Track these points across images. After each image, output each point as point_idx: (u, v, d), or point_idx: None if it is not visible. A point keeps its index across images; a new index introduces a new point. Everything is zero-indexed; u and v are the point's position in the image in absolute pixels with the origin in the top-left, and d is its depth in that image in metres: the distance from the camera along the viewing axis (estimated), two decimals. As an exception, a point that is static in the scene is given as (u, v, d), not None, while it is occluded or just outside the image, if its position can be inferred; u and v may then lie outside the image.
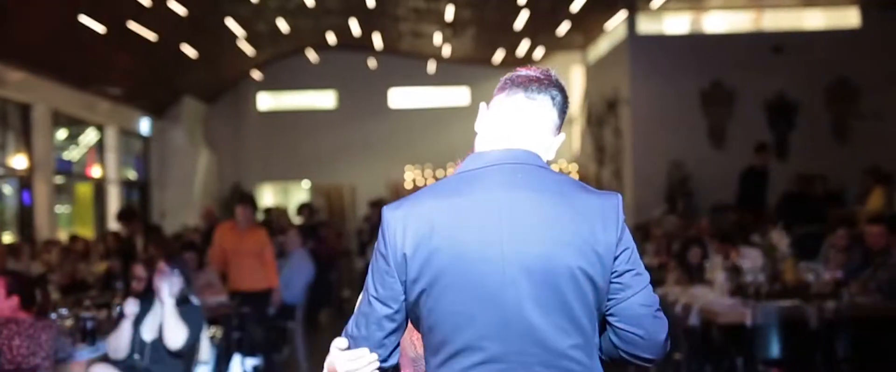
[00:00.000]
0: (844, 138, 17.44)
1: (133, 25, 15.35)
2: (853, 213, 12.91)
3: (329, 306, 15.94)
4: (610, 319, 2.58)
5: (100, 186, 18.78)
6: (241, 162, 22.63)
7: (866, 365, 8.15)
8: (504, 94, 2.70)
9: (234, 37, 17.93)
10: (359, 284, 18.37)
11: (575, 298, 2.47)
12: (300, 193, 23.22)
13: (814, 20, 18.36)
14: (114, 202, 19.02)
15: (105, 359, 6.84)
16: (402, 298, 2.56)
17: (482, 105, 2.76)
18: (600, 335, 2.62)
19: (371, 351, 2.59)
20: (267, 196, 23.00)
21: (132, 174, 20.67)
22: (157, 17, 15.44)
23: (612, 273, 2.52)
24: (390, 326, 2.58)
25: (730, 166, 17.09)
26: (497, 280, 2.46)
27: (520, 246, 2.46)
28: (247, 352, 10.11)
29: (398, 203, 2.60)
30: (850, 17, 17.99)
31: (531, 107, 2.66)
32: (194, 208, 20.72)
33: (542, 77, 2.70)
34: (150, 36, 15.94)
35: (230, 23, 16.96)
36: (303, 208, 16.22)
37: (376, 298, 2.57)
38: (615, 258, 2.51)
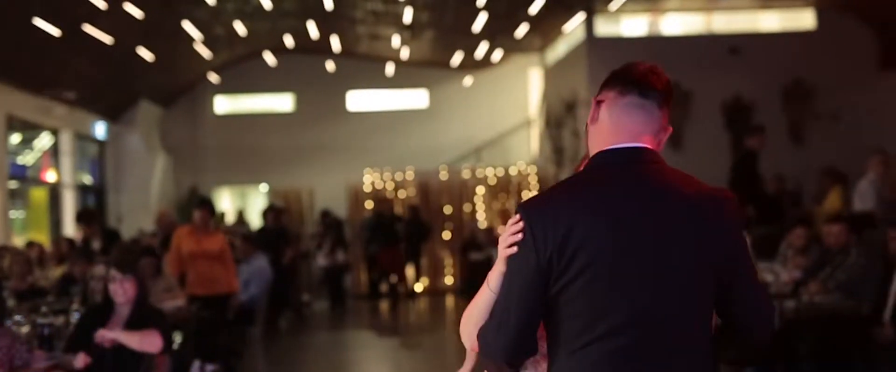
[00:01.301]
0: (800, 139, 17.60)
1: (88, 28, 15.20)
2: (810, 213, 13.01)
3: (289, 311, 15.86)
4: (725, 311, 2.72)
5: (55, 191, 18.59)
6: (199, 166, 22.45)
7: (827, 363, 8.21)
8: (616, 92, 2.77)
9: (191, 40, 17.80)
10: (317, 288, 18.37)
11: (702, 288, 2.63)
12: (258, 196, 23.09)
13: (769, 22, 18.53)
14: (69, 207, 18.82)
15: (61, 366, 6.74)
16: (545, 293, 2.64)
17: (593, 102, 2.83)
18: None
19: (508, 342, 2.67)
20: (224, 200, 22.85)
21: (88, 179, 20.47)
22: (113, 20, 15.29)
23: (733, 266, 2.66)
24: (535, 322, 2.68)
25: (687, 167, 17.01)
26: (641, 271, 2.60)
27: (659, 239, 2.60)
28: (206, 357, 10.01)
29: (535, 199, 2.72)
30: (805, 19, 18.17)
31: (645, 104, 2.74)
32: (151, 213, 20.51)
33: (652, 74, 2.77)
34: (106, 39, 15.78)
35: (187, 25, 16.83)
36: (268, 212, 16.13)
37: (515, 293, 2.66)
38: (734, 252, 2.66)
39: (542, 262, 2.60)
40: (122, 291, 6.78)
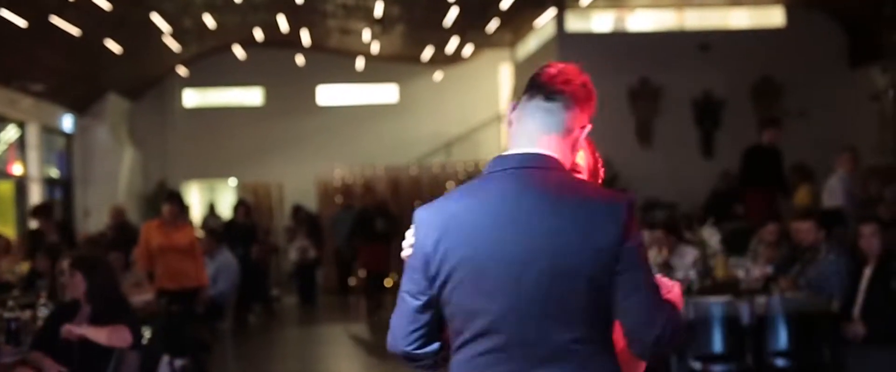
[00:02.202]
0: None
1: (56, 20, 15.04)
2: (778, 209, 13.06)
3: (258, 305, 15.79)
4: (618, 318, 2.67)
5: (21, 185, 18.39)
6: (167, 159, 22.30)
7: (798, 359, 8.24)
8: (525, 96, 2.83)
9: (160, 32, 17.64)
10: (287, 283, 18.29)
11: (576, 295, 2.61)
12: (227, 190, 22.96)
13: (739, 19, 18.60)
14: (36, 200, 18.62)
15: (25, 362, 6.67)
16: (429, 293, 2.77)
17: (510, 104, 2.88)
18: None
19: (398, 338, 2.85)
20: (193, 194, 22.70)
21: (55, 172, 20.28)
22: (81, 11, 15.14)
23: (615, 270, 2.61)
24: (420, 318, 2.81)
25: (657, 164, 17.29)
26: (504, 276, 2.64)
27: (525, 245, 2.63)
28: (175, 352, 9.93)
29: (428, 205, 2.83)
30: (774, 17, 18.26)
31: (549, 108, 2.78)
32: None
33: (559, 77, 2.80)
34: (74, 31, 15.62)
35: (155, 18, 16.69)
36: (239, 206, 16.02)
37: (407, 293, 2.83)
38: (619, 256, 2.60)
39: (424, 264, 2.75)
40: (72, 285, 6.79)
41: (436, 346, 2.83)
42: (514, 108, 2.85)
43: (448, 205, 2.78)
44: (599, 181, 3.09)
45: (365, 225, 16.97)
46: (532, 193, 2.66)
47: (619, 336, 2.74)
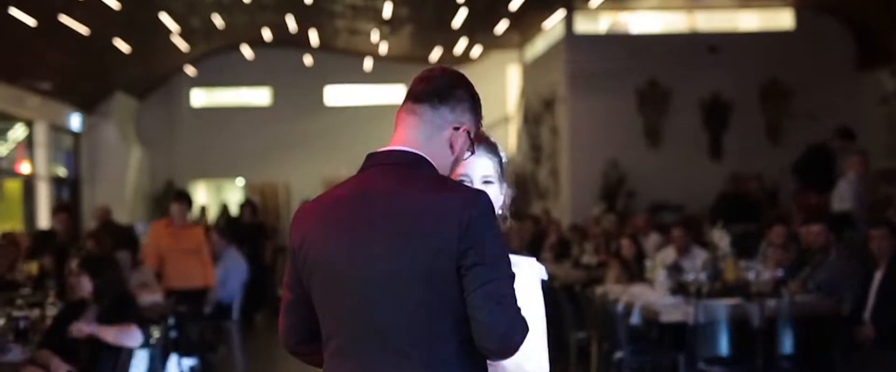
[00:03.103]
0: (778, 138, 17.64)
1: (64, 19, 15.06)
2: (788, 212, 13.03)
3: (266, 305, 15.78)
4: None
5: (29, 183, 18.42)
6: (174, 159, 22.31)
7: (807, 363, 8.21)
8: (404, 99, 2.85)
9: (168, 32, 17.67)
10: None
11: (421, 291, 2.58)
12: (234, 190, 22.98)
13: (748, 22, 18.56)
14: (43, 199, 18.66)
15: (34, 361, 6.66)
16: (299, 288, 2.78)
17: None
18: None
19: (281, 333, 2.87)
20: (200, 193, 22.71)
21: (62, 171, 20.30)
22: (89, 10, 15.16)
23: (459, 268, 2.56)
24: (295, 313, 2.83)
25: (665, 165, 17.25)
26: (347, 276, 2.64)
27: (368, 244, 2.62)
28: (183, 352, 9.94)
29: (301, 205, 2.89)
30: (783, 19, 18.22)
31: (414, 109, 2.80)
32: (126, 206, 20.40)
33: (424, 77, 2.83)
34: (82, 30, 15.65)
35: (164, 17, 16.71)
36: (245, 206, 16.01)
37: (286, 286, 2.84)
38: (460, 254, 2.55)
39: (293, 258, 2.78)
40: (79, 285, 6.81)
41: (315, 343, 2.80)
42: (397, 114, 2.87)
43: (319, 201, 2.80)
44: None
45: None
46: (381, 192, 2.66)
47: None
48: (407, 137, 2.77)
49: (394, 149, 2.75)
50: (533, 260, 2.95)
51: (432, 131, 2.77)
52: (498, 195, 2.97)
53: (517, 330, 2.55)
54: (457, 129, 2.78)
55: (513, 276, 2.59)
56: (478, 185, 2.95)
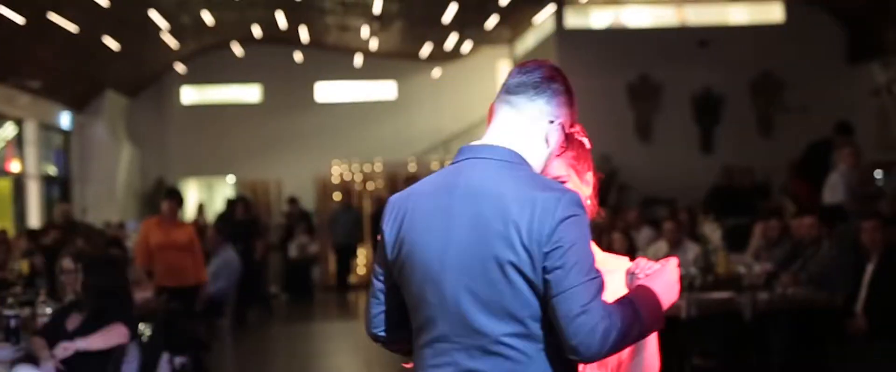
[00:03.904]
0: (769, 131, 17.68)
1: (54, 17, 15.00)
2: (780, 205, 13.04)
3: (258, 303, 15.76)
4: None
5: (19, 182, 18.36)
6: (165, 157, 22.25)
7: (799, 355, 8.22)
8: (499, 91, 2.83)
9: (158, 29, 17.61)
10: (284, 280, 18.26)
11: (506, 289, 2.57)
12: (225, 188, 22.93)
13: (738, 15, 18.60)
14: (33, 198, 18.60)
15: (29, 358, 6.64)
16: (390, 277, 2.82)
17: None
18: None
19: (368, 322, 2.91)
20: (191, 191, 22.66)
21: (52, 169, 20.24)
22: (79, 8, 15.11)
23: (544, 269, 2.54)
24: (384, 302, 2.86)
25: (657, 160, 17.27)
26: (437, 268, 2.65)
27: (460, 238, 2.62)
28: (174, 349, 9.90)
29: (394, 195, 2.86)
30: (773, 12, 18.25)
31: (510, 100, 2.78)
32: (117, 204, 20.36)
33: (525, 74, 2.79)
34: (71, 28, 15.59)
35: (153, 15, 16.66)
36: (237, 203, 15.98)
37: (374, 276, 2.87)
38: (546, 256, 2.54)
39: (384, 248, 2.80)
40: (70, 282, 6.85)
41: (402, 332, 2.84)
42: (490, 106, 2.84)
43: (411, 192, 2.80)
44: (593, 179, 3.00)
45: None
46: (472, 184, 2.66)
47: None
48: (502, 131, 2.76)
49: (489, 143, 2.74)
50: (625, 260, 2.93)
51: (528, 124, 2.75)
52: (576, 187, 2.91)
53: (597, 337, 2.49)
54: (552, 122, 2.76)
55: (598, 279, 2.55)
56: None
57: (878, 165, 13.16)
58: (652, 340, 2.85)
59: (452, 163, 2.77)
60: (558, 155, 2.84)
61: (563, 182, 2.86)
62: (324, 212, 20.02)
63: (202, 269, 10.79)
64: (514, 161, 2.70)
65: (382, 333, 2.89)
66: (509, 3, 16.83)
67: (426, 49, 20.84)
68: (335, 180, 20.27)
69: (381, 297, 2.86)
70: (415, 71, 22.15)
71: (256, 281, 15.25)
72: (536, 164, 2.75)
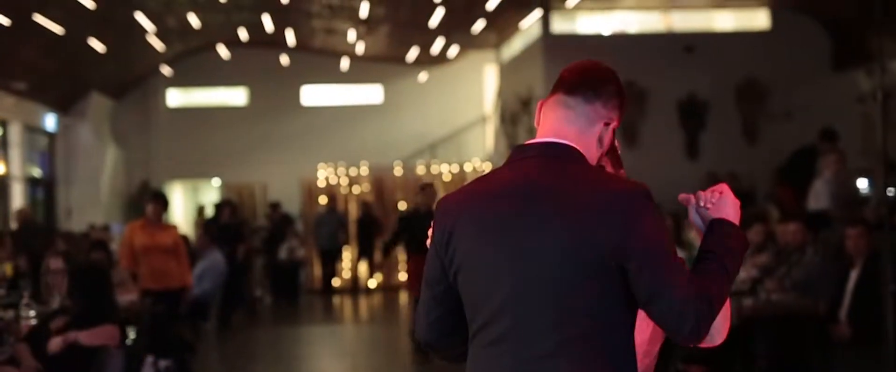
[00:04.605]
0: (754, 138, 17.72)
1: (39, 18, 14.97)
2: (765, 211, 13.07)
3: (242, 306, 15.73)
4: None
5: (3, 184, 18.29)
6: (150, 159, 22.22)
7: (783, 362, 8.24)
8: (552, 91, 2.81)
9: (144, 31, 17.58)
10: (269, 284, 18.23)
11: (575, 289, 2.55)
12: (210, 191, 22.89)
13: (724, 21, 18.65)
14: (18, 200, 18.54)
15: (12, 361, 6.62)
16: (444, 281, 2.76)
17: (538, 104, 2.85)
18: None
19: (422, 328, 2.85)
20: (176, 194, 22.61)
21: (37, 171, 20.18)
22: (64, 9, 15.07)
23: (622, 266, 2.52)
24: (439, 307, 2.80)
25: (642, 165, 17.25)
26: (503, 267, 2.61)
27: (529, 239, 2.58)
28: (159, 352, 9.87)
29: (444, 196, 2.84)
30: (759, 19, 18.31)
31: (567, 102, 2.76)
32: (102, 206, 20.31)
33: (581, 74, 2.79)
34: (57, 29, 15.55)
35: (139, 17, 16.63)
36: (223, 206, 15.95)
37: (426, 280, 2.81)
38: (623, 253, 2.52)
39: (438, 251, 2.74)
40: (57, 283, 6.98)
41: (457, 336, 2.80)
42: (541, 106, 2.82)
43: (465, 192, 2.77)
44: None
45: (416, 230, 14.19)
46: (537, 183, 2.63)
47: (640, 328, 2.71)
48: (559, 130, 2.72)
49: (549, 140, 2.71)
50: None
51: (585, 125, 2.73)
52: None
53: (689, 323, 2.48)
54: (607, 125, 2.75)
55: (678, 266, 2.52)
56: None
57: (863, 172, 13.21)
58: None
59: (508, 162, 2.75)
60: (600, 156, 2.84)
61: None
62: (309, 215, 20.00)
63: (187, 271, 10.78)
64: (577, 158, 2.69)
65: (437, 340, 2.85)
66: (496, 8, 16.85)
67: (413, 53, 20.85)
68: (321, 184, 20.26)
69: (435, 302, 2.80)
70: (401, 75, 22.16)
71: (241, 284, 15.21)
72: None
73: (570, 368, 2.56)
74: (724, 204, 2.76)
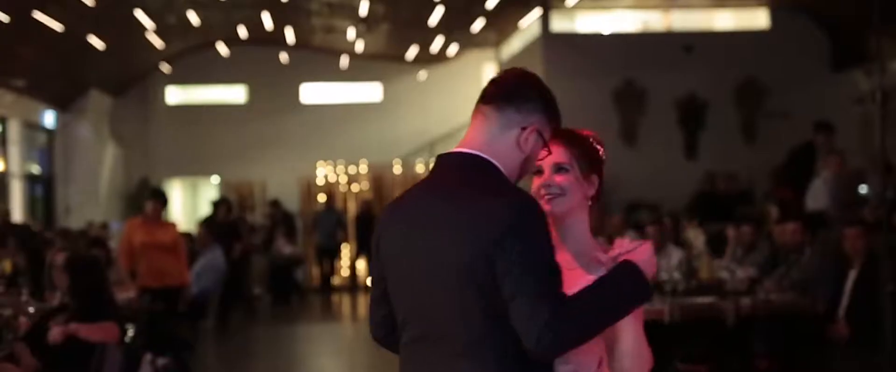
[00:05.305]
0: (753, 137, 17.73)
1: (38, 15, 14.96)
2: (763, 211, 13.08)
3: (240, 304, 15.73)
4: None
5: (2, 181, 18.29)
6: (149, 157, 22.20)
7: (782, 361, 8.25)
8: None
9: (143, 29, 17.57)
10: (267, 282, 18.24)
11: (467, 294, 2.66)
12: (209, 189, 22.88)
13: (724, 21, 18.66)
14: (17, 197, 18.54)
15: (11, 358, 6.62)
16: (383, 282, 2.93)
17: None
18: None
19: (371, 326, 3.06)
20: (175, 192, 22.60)
21: (36, 168, 20.17)
22: (64, 6, 15.07)
23: (495, 274, 2.62)
24: (382, 306, 2.97)
25: (641, 165, 17.30)
26: (410, 273, 2.79)
27: (426, 243, 2.74)
28: (157, 350, 9.88)
29: (391, 201, 3.01)
30: (758, 19, 18.31)
31: (483, 110, 2.88)
32: (100, 204, 20.30)
33: (495, 79, 2.91)
34: (56, 26, 15.54)
35: (139, 14, 16.62)
36: (220, 204, 15.96)
37: (373, 283, 3.01)
38: (496, 261, 2.61)
39: (375, 257, 2.96)
40: (59, 280, 6.91)
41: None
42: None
43: (395, 199, 2.96)
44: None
45: None
46: (438, 191, 2.79)
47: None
48: (472, 139, 2.84)
49: (456, 150, 2.84)
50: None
51: (498, 132, 2.82)
52: (573, 182, 2.97)
53: (547, 339, 2.55)
54: (524, 129, 2.82)
55: (548, 280, 2.60)
56: (549, 172, 2.97)
57: (861, 173, 13.21)
58: (627, 330, 2.84)
59: (430, 170, 2.89)
60: (541, 159, 2.90)
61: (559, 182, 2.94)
62: (308, 213, 20.00)
63: (186, 269, 10.78)
64: (479, 166, 2.78)
65: (383, 336, 3.03)
66: (495, 7, 16.86)
67: (412, 51, 20.85)
68: (320, 182, 20.26)
69: (378, 303, 2.98)
70: (401, 73, 22.15)
71: (239, 282, 15.22)
72: (510, 169, 2.82)
73: (473, 369, 2.68)
74: (639, 253, 2.79)
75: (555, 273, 2.62)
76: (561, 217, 2.95)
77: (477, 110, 2.88)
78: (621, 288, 2.68)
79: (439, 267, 2.70)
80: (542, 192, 2.94)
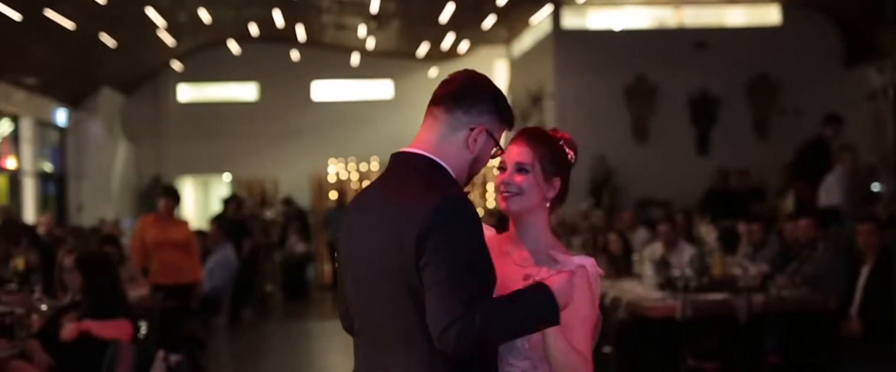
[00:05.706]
0: (765, 134, 17.68)
1: (50, 13, 14.99)
2: (775, 207, 13.05)
3: (253, 301, 15.75)
4: None
5: (14, 179, 18.34)
6: (161, 154, 22.24)
7: (794, 357, 8.24)
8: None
9: (155, 26, 17.59)
10: (280, 279, 18.26)
11: (398, 291, 2.75)
12: (221, 186, 22.92)
13: (735, 17, 18.59)
14: (29, 195, 18.59)
15: (24, 355, 6.64)
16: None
17: None
18: None
19: (340, 318, 3.13)
20: (187, 189, 22.65)
21: (48, 166, 20.23)
22: (75, 5, 15.09)
23: (418, 271, 2.69)
24: (344, 299, 3.05)
25: (652, 161, 17.28)
26: (352, 269, 2.92)
27: (364, 241, 2.85)
28: (170, 347, 9.90)
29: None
30: (770, 15, 18.25)
31: (432, 111, 2.95)
32: (112, 201, 20.34)
33: (444, 84, 2.98)
34: (68, 24, 15.57)
35: (150, 12, 16.64)
36: (230, 201, 15.99)
37: (338, 277, 3.09)
38: (418, 258, 2.68)
39: (336, 252, 3.07)
40: (70, 281, 6.92)
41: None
42: None
43: (354, 197, 3.08)
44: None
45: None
46: (381, 190, 2.89)
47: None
48: (421, 139, 2.91)
49: (404, 150, 2.91)
50: (591, 260, 3.00)
51: (447, 133, 2.89)
52: (532, 182, 3.00)
53: (452, 336, 2.59)
54: (472, 129, 2.88)
55: (466, 278, 2.63)
56: (511, 171, 3.00)
57: (873, 169, 13.17)
58: (553, 343, 2.83)
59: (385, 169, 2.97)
60: (496, 156, 2.97)
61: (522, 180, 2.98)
62: (319, 211, 20.00)
63: (198, 267, 10.79)
64: (423, 166, 2.85)
65: (349, 326, 3.08)
66: (506, 4, 16.84)
67: (423, 48, 20.85)
68: (331, 179, 20.26)
69: (341, 295, 3.07)
70: (411, 70, 22.14)
71: (251, 279, 15.23)
72: (458, 169, 2.88)
73: (406, 362, 2.77)
74: (557, 281, 2.77)
75: (473, 272, 2.66)
76: (518, 215, 3.01)
77: (428, 111, 2.94)
78: (530, 306, 2.70)
79: (375, 264, 2.79)
80: (502, 188, 3.00)
